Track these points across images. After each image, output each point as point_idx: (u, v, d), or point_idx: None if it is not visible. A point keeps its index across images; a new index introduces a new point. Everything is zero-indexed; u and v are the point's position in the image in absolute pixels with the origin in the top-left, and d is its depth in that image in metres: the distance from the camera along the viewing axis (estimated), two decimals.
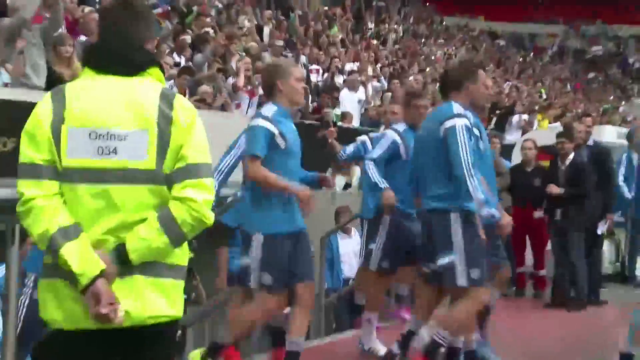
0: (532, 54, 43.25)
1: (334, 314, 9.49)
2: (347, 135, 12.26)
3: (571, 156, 9.23)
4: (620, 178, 11.05)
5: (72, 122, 2.92)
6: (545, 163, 9.80)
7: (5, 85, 8.64)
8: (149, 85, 3.02)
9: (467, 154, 5.20)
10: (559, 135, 9.45)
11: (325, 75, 15.94)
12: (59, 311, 2.92)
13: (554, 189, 9.15)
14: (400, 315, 7.79)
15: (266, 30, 17.75)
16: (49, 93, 3.03)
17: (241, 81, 12.31)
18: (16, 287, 4.50)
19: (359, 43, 21.91)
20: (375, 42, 23.51)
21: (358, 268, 7.70)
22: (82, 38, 10.34)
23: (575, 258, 9.12)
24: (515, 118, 17.70)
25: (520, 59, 39.41)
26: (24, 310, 5.51)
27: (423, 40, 30.70)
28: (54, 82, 8.15)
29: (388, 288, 7.64)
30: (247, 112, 12.50)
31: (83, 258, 2.83)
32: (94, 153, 2.91)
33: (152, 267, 2.93)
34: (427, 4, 41.21)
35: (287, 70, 5.38)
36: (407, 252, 6.42)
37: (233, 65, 12.84)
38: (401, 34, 28.80)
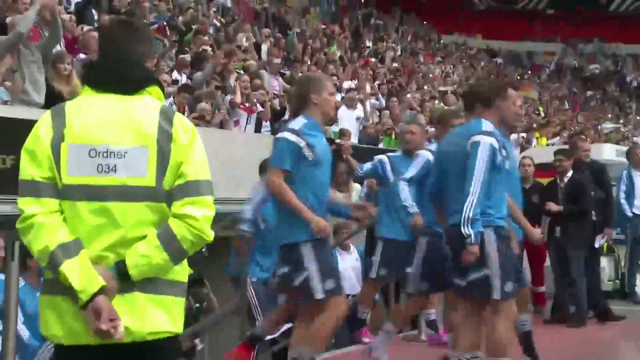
0: (529, 71, 43.38)
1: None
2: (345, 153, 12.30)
3: (569, 173, 9.25)
4: (622, 195, 11.08)
5: (72, 140, 2.94)
6: (543, 180, 9.82)
7: (5, 102, 8.65)
8: (148, 103, 3.04)
9: (482, 171, 5.19)
10: (556, 153, 9.48)
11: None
12: (59, 327, 2.93)
13: (553, 207, 9.16)
14: (438, 339, 7.75)
15: (264, 47, 17.81)
16: (49, 111, 3.05)
17: (238, 98, 12.34)
18: (16, 302, 4.49)
19: (357, 61, 21.97)
20: (373, 60, 23.56)
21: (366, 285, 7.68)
22: (82, 56, 10.37)
23: (575, 274, 9.12)
24: (513, 136, 17.71)
25: (518, 77, 39.50)
26: None
27: (421, 58, 30.77)
28: (53, 99, 8.17)
29: (424, 309, 7.62)
30: (245, 129, 12.52)
31: (83, 274, 2.84)
32: (93, 170, 2.93)
33: (152, 283, 2.94)
34: (425, 22, 41.34)
35: (321, 83, 5.41)
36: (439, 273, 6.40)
37: (231, 83, 12.87)
38: (399, 52, 28.88)
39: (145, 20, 13.31)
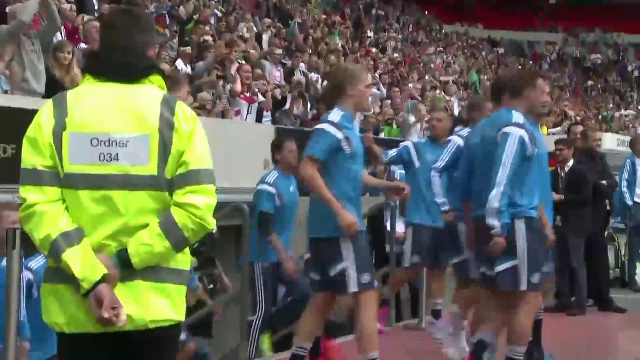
0: (531, 61, 43.33)
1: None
2: None
3: (570, 162, 9.25)
4: (623, 184, 11.09)
5: (74, 129, 2.94)
6: None
7: (5, 91, 8.65)
8: (150, 92, 3.05)
9: (510, 162, 5.21)
10: (557, 142, 9.48)
11: (325, 83, 15.95)
12: (61, 315, 2.94)
13: (554, 196, 9.16)
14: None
15: (265, 37, 17.79)
16: (50, 100, 3.06)
17: (238, 86, 12.33)
18: (17, 291, 4.50)
19: (359, 51, 21.95)
20: (374, 49, 23.55)
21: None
22: (82, 45, 10.36)
23: (575, 263, 9.14)
24: None
25: (520, 67, 39.46)
26: None
27: (422, 48, 30.74)
28: (54, 87, 8.17)
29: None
30: (246, 119, 12.52)
31: (85, 263, 2.85)
32: (95, 159, 2.93)
33: (154, 271, 2.95)
34: (427, 11, 41.27)
35: (358, 75, 5.37)
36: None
37: (232, 73, 12.86)
38: (400, 42, 28.85)
39: (146, 10, 13.28)
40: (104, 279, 2.85)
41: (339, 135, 5.15)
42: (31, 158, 2.94)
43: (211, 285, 8.80)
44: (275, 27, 19.17)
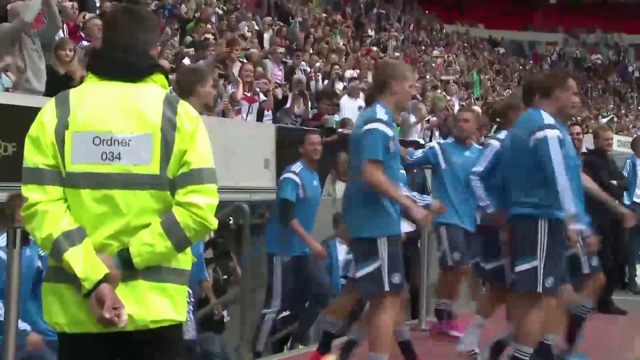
0: (531, 61, 43.35)
1: None
2: (348, 143, 12.29)
3: None
4: None
5: (76, 128, 2.94)
6: None
7: (7, 89, 8.64)
8: (153, 91, 3.04)
9: (561, 165, 5.21)
10: None
11: (326, 82, 15.95)
12: (62, 315, 2.93)
13: None
14: (439, 329, 7.65)
15: (266, 36, 17.78)
16: (53, 98, 3.05)
17: (239, 94, 12.28)
18: (17, 287, 4.49)
19: (359, 50, 21.93)
20: (375, 49, 23.53)
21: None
22: (84, 43, 10.35)
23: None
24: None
25: (520, 67, 39.48)
26: None
27: (423, 47, 30.73)
28: (59, 83, 8.16)
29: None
30: (247, 118, 12.51)
31: (87, 262, 2.85)
32: (97, 158, 2.93)
33: (155, 271, 2.94)
34: (427, 11, 41.28)
35: (405, 73, 5.34)
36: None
37: (235, 72, 12.84)
38: (401, 41, 28.85)
39: (147, 8, 13.27)
40: (105, 279, 2.85)
41: (390, 133, 5.13)
42: (33, 157, 2.93)
43: (225, 277, 8.84)
44: (276, 26, 19.15)
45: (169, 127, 2.96)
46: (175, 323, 3.00)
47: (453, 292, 7.68)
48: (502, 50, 42.57)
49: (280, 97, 13.86)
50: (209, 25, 15.05)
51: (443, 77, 23.79)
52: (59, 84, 8.04)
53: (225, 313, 8.77)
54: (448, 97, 18.98)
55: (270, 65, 14.97)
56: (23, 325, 5.54)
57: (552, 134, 5.26)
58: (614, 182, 9.60)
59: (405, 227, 8.07)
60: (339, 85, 15.96)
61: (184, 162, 2.96)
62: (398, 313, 5.50)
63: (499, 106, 7.15)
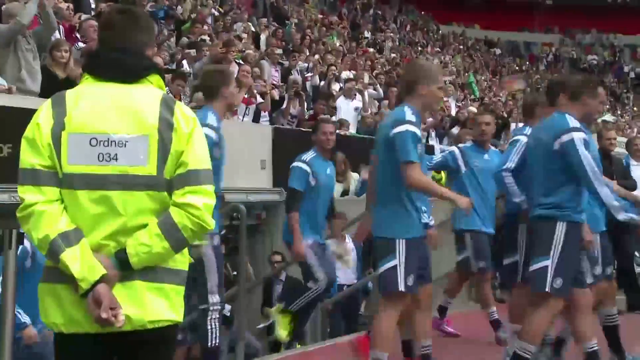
0: (527, 62, 43.40)
1: (329, 319, 9.48)
2: (344, 143, 12.29)
3: None
4: None
5: (73, 129, 2.94)
6: None
7: (1, 91, 8.63)
8: (149, 92, 3.04)
9: (591, 165, 5.23)
10: None
11: (322, 83, 15.96)
12: (59, 315, 2.93)
13: None
14: (439, 324, 7.62)
15: (263, 37, 17.77)
16: (49, 99, 3.05)
17: (241, 96, 12.24)
18: (13, 290, 4.49)
19: (356, 51, 21.94)
20: (371, 50, 23.54)
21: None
22: (80, 44, 10.35)
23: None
24: (512, 126, 17.73)
25: (516, 68, 39.52)
26: None
27: (419, 48, 30.76)
28: (56, 85, 8.16)
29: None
30: (242, 119, 12.50)
31: (84, 263, 2.85)
32: (94, 159, 2.93)
33: (152, 271, 2.95)
34: (424, 12, 41.31)
35: (433, 75, 5.33)
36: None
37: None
38: (397, 42, 28.87)
39: (143, 9, 13.25)
40: (102, 280, 2.85)
41: (419, 134, 5.15)
42: (30, 158, 2.93)
43: (234, 273, 8.87)
44: (272, 27, 19.15)
45: (165, 128, 2.96)
46: (172, 323, 3.00)
47: (457, 292, 7.71)
48: (498, 51, 42.61)
49: (277, 98, 13.86)
50: (205, 27, 15.04)
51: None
52: (57, 88, 8.01)
53: (228, 308, 8.78)
54: (444, 98, 18.97)
55: (267, 66, 14.97)
56: (25, 318, 5.58)
57: (579, 136, 5.28)
58: (613, 181, 9.58)
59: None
60: (335, 86, 15.96)
61: (180, 163, 2.96)
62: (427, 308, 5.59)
63: (526, 101, 7.08)
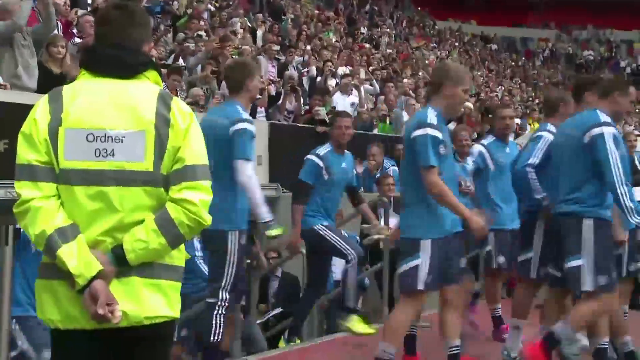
0: (524, 57, 43.40)
1: (325, 316, 9.49)
2: None
3: None
4: None
5: (70, 124, 2.93)
6: None
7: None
8: (146, 88, 3.04)
9: (617, 162, 5.23)
10: None
11: (319, 78, 15.95)
12: (55, 311, 2.93)
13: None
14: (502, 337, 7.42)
15: (259, 33, 17.75)
16: (46, 95, 3.05)
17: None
18: (10, 287, 4.48)
19: (352, 46, 21.93)
20: (367, 45, 23.53)
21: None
22: (77, 40, 10.32)
23: None
24: None
25: (513, 63, 39.53)
26: None
27: (416, 39, 30.76)
28: (52, 81, 8.13)
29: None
30: None
31: (80, 259, 2.85)
32: (91, 155, 2.92)
33: (149, 267, 2.95)
34: (420, 8, 41.28)
35: (459, 77, 5.29)
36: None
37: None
38: (394, 38, 28.85)
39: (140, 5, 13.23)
40: (99, 275, 2.85)
41: (440, 136, 5.12)
42: (26, 154, 2.93)
43: (248, 261, 8.92)
44: (269, 22, 19.13)
45: (162, 124, 2.96)
46: (169, 319, 3.01)
47: (498, 299, 7.67)
48: (494, 47, 42.61)
49: (273, 94, 13.85)
50: (201, 22, 15.02)
51: None
52: (52, 84, 7.99)
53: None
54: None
55: (264, 62, 14.95)
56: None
57: (609, 131, 5.30)
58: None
59: (394, 222, 8.08)
60: (332, 82, 15.96)
61: (177, 158, 2.96)
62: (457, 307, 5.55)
63: (549, 98, 7.05)
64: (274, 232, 5.87)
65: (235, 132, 5.74)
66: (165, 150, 2.95)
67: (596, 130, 5.30)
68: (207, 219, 2.97)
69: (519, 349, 6.19)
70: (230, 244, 5.68)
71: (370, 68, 19.40)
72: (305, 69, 16.15)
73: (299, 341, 7.48)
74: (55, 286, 2.93)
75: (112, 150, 2.92)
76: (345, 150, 7.27)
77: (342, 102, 14.75)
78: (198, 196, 2.94)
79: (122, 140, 2.93)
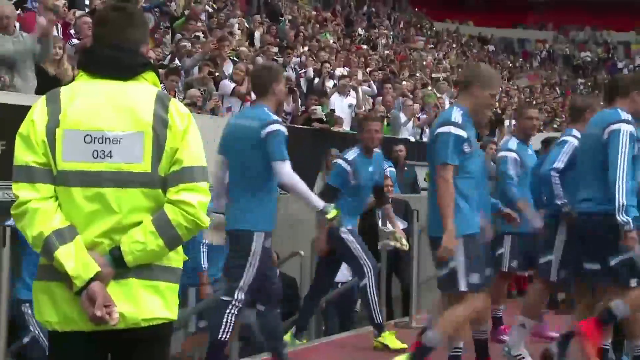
0: (521, 59, 43.42)
1: (324, 317, 9.49)
2: (338, 139, 12.29)
3: None
4: None
5: (67, 126, 2.93)
6: None
7: None
8: (144, 89, 3.04)
9: (624, 158, 5.27)
10: (543, 142, 9.43)
11: (317, 80, 15.94)
12: (53, 313, 2.93)
13: None
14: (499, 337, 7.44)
15: (257, 34, 17.74)
16: (43, 96, 3.04)
17: (244, 88, 12.20)
18: (7, 288, 4.48)
19: (349, 48, 21.93)
20: (365, 46, 23.53)
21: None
22: (74, 41, 10.31)
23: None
24: (506, 123, 17.75)
25: (510, 64, 39.55)
26: None
27: (415, 39, 30.77)
28: (48, 82, 8.12)
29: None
30: None
31: (78, 261, 2.84)
32: (89, 156, 2.92)
33: (147, 269, 2.94)
34: (417, 9, 41.30)
35: (488, 80, 5.28)
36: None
37: (225, 70, 12.80)
38: (391, 39, 28.86)
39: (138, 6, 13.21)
40: (96, 277, 2.84)
41: (464, 135, 5.10)
42: (24, 155, 2.92)
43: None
44: (266, 24, 19.13)
45: (160, 125, 2.95)
46: (167, 321, 3.00)
47: (503, 299, 7.67)
48: (491, 48, 42.63)
49: None
50: (199, 23, 15.01)
51: (434, 75, 23.79)
52: (48, 85, 7.98)
53: None
54: (438, 95, 18.98)
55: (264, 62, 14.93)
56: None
57: (626, 128, 5.35)
58: None
59: (399, 225, 8.09)
60: (329, 83, 15.95)
61: (175, 160, 2.96)
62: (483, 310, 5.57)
63: (575, 104, 7.00)
64: (330, 215, 5.88)
65: (268, 134, 5.70)
66: (163, 151, 2.95)
67: (614, 127, 5.37)
68: (205, 221, 2.96)
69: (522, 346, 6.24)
70: (255, 244, 5.68)
71: (368, 69, 19.39)
72: (303, 70, 16.15)
73: (305, 341, 7.49)
74: (52, 288, 2.92)
75: (110, 151, 2.92)
76: (375, 150, 7.26)
77: (340, 103, 14.75)
78: (196, 198, 2.93)
79: (120, 141, 2.92)
